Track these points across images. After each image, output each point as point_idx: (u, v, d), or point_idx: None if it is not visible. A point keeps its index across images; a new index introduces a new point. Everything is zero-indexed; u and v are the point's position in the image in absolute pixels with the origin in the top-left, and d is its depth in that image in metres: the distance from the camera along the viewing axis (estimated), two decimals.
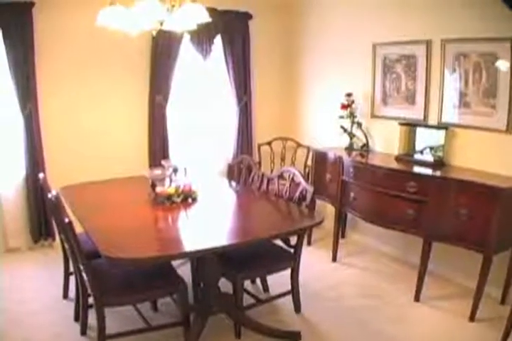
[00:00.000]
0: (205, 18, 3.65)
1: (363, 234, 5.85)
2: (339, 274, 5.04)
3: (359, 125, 5.54)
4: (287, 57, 6.90)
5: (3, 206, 5.48)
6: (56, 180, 4.83)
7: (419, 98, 5.03)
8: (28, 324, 3.98)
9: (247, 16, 6.41)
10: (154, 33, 3.90)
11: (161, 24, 3.73)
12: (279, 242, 4.14)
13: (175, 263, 3.97)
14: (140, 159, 6.06)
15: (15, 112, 5.32)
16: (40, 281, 4.83)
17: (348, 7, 5.80)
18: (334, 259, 5.35)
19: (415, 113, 5.08)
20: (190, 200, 4.04)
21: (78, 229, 3.29)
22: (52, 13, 5.35)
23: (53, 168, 5.52)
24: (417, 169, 4.57)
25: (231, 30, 6.29)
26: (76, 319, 3.96)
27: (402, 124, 5.09)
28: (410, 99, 5.14)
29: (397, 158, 4.99)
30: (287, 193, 4.31)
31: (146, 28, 3.76)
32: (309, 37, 6.52)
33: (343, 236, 5.93)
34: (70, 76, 5.60)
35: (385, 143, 5.44)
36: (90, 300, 3.44)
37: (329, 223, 5.29)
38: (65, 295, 4.43)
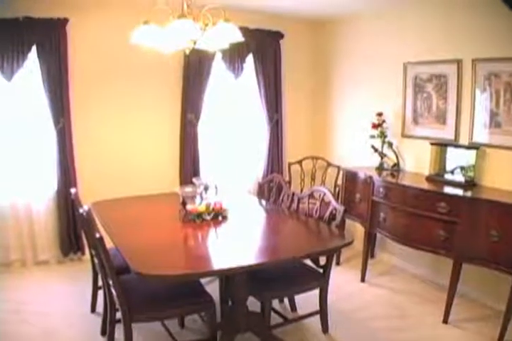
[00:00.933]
0: (238, 37, 3.68)
1: (392, 254, 5.81)
2: (368, 295, 5.00)
3: (390, 144, 5.53)
4: (318, 75, 6.94)
5: (34, 219, 5.55)
6: (87, 194, 4.91)
7: (450, 117, 5.01)
8: (55, 337, 4.00)
9: (279, 35, 6.47)
10: (187, 52, 3.92)
11: (194, 43, 3.76)
12: (308, 262, 4.14)
13: (203, 280, 3.99)
14: (171, 176, 6.11)
15: (48, 126, 5.42)
16: (68, 295, 4.87)
17: (379, 26, 5.82)
18: (363, 280, 5.30)
19: (446, 133, 5.06)
20: (220, 218, 4.06)
21: (108, 244, 3.32)
22: (86, 29, 5.47)
23: (85, 183, 5.59)
24: (447, 189, 4.53)
25: (263, 49, 6.34)
26: (103, 333, 3.98)
27: (433, 144, 5.06)
28: (441, 118, 5.12)
29: (428, 178, 4.95)
30: (317, 212, 4.30)
31: (179, 46, 3.80)
32: (340, 55, 6.55)
33: (372, 256, 5.88)
34: (102, 92, 5.70)
35: (416, 162, 5.41)
36: (118, 314, 3.44)
37: (358, 243, 5.26)
38: (93, 309, 4.46)
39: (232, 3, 5.03)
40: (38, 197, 5.57)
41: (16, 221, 5.48)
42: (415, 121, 5.44)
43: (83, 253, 5.72)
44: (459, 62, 4.84)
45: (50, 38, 5.22)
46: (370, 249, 5.60)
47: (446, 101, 5.06)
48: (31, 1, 5.08)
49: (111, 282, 3.36)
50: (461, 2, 4.77)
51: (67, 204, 5.56)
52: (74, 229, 5.66)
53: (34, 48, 5.20)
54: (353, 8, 5.81)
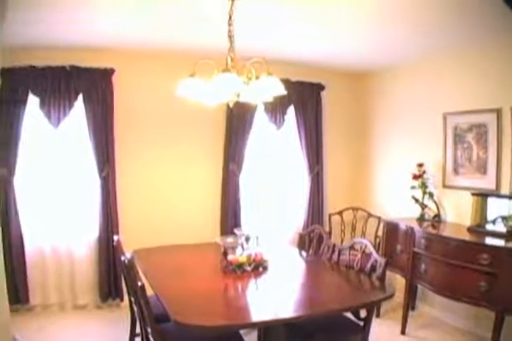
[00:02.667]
0: (281, 91, 3.70)
1: (433, 307, 5.70)
2: None
3: (431, 195, 5.52)
4: (358, 127, 7.01)
5: (75, 264, 5.66)
6: (128, 241, 4.95)
7: (491, 167, 5.00)
8: None
9: (320, 87, 6.59)
10: (231, 105, 3.97)
11: (238, 96, 3.83)
12: (348, 314, 4.09)
13: (242, 330, 3.97)
14: (212, 226, 6.16)
15: (93, 173, 5.56)
16: (105, 340, 4.90)
17: (419, 77, 5.91)
18: (403, 332, 5.19)
19: (487, 182, 5.04)
20: (261, 269, 4.07)
21: (148, 291, 3.33)
22: (132, 79, 5.68)
23: (126, 230, 5.65)
24: (489, 240, 4.47)
25: (304, 101, 6.46)
26: None
27: (474, 194, 5.01)
28: (482, 168, 5.11)
29: (470, 229, 4.89)
30: (358, 264, 4.27)
31: (223, 99, 3.88)
32: (380, 106, 6.63)
33: (412, 309, 5.77)
34: (146, 141, 5.86)
35: (457, 213, 5.37)
36: None
37: (399, 294, 5.18)
38: None
39: (274, 56, 5.12)
40: (80, 243, 5.69)
41: (57, 265, 5.60)
42: (456, 171, 5.44)
43: (122, 300, 5.75)
44: (498, 111, 4.86)
45: (96, 87, 5.44)
46: (410, 301, 5.52)
47: (486, 150, 5.06)
48: (78, 50, 5.30)
49: (149, 330, 3.38)
50: (497, 50, 4.86)
51: (108, 250, 5.63)
52: (114, 276, 5.71)
53: (80, 97, 5.41)
54: (391, 60, 5.94)
